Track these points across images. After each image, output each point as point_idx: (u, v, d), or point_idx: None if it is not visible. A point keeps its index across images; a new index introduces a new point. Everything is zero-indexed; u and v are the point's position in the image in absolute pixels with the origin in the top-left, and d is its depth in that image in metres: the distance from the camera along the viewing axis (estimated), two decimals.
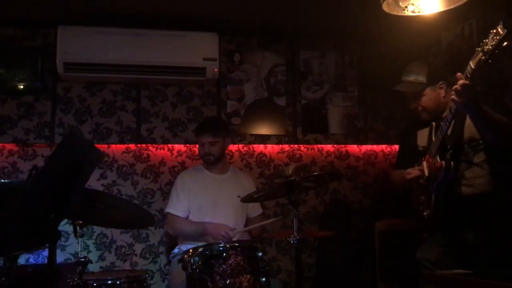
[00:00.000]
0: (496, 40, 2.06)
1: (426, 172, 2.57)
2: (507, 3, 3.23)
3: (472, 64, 2.19)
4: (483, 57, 2.12)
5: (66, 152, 1.60)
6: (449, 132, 2.50)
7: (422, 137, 2.76)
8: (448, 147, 2.52)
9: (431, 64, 2.88)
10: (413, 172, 2.65)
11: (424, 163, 2.61)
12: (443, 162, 2.48)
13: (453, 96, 2.27)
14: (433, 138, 2.59)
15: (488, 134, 2.42)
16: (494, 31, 2.07)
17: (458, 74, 2.27)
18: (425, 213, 2.64)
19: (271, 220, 3.23)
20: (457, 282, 1.85)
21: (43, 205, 1.60)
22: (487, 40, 2.09)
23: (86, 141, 1.74)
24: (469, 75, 2.21)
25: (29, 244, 1.79)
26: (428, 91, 2.69)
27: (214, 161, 3.27)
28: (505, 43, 2.07)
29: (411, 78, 2.73)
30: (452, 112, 2.40)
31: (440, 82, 2.69)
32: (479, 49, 2.14)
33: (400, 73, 2.86)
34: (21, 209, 1.50)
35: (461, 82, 2.24)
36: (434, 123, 2.63)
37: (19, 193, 1.63)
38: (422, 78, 2.69)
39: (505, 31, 2.04)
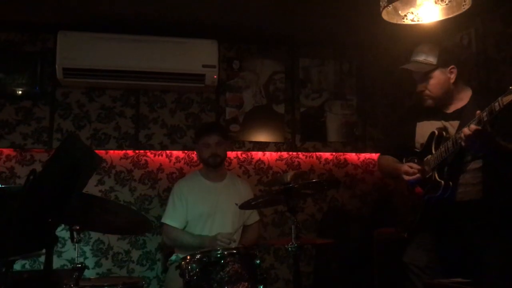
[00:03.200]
0: None
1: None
2: (506, 13, 3.25)
3: (501, 102, 2.01)
4: None
5: (64, 155, 1.60)
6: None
7: (422, 132, 2.62)
8: (449, 161, 2.43)
9: (443, 46, 2.67)
10: (413, 175, 2.51)
11: (418, 166, 2.52)
12: (443, 182, 2.39)
13: (461, 138, 2.19)
14: (433, 149, 2.49)
15: (503, 164, 2.36)
16: None
17: (478, 112, 2.13)
18: (410, 218, 2.59)
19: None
20: None
21: (41, 209, 1.59)
22: None
23: (85, 145, 1.73)
24: (494, 112, 2.06)
25: (26, 248, 1.77)
26: (437, 73, 2.51)
27: (220, 163, 3.26)
28: None
29: (421, 58, 2.55)
30: (458, 145, 2.30)
31: (451, 66, 2.52)
32: None
33: (399, 81, 2.81)
34: (19, 213, 1.49)
35: (472, 127, 2.12)
36: (436, 132, 2.50)
37: (16, 198, 1.62)
38: (432, 59, 2.51)
39: None
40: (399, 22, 2.40)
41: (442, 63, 2.52)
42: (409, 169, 2.52)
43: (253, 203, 2.81)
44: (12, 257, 2.28)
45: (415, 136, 2.66)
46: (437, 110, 2.59)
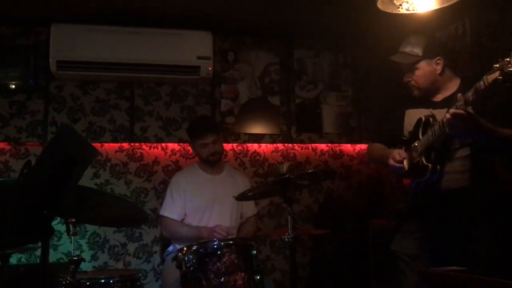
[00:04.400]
0: None
1: (407, 166, 2.52)
2: (501, 2, 3.25)
3: (486, 80, 1.99)
4: (500, 78, 1.92)
5: (59, 146, 1.59)
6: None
7: (410, 121, 2.61)
8: (436, 146, 2.42)
9: (431, 37, 2.65)
10: (400, 162, 2.49)
11: (406, 154, 2.50)
12: (430, 165, 2.38)
13: (444, 122, 2.19)
14: (420, 135, 2.48)
15: (493, 149, 2.36)
16: None
17: (459, 95, 2.12)
18: (398, 207, 2.59)
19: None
20: (455, 280, 1.84)
21: (36, 201, 1.58)
22: (509, 59, 1.87)
23: (80, 136, 1.72)
24: (480, 91, 2.03)
25: (22, 241, 1.77)
26: (422, 64, 2.51)
27: (219, 159, 3.27)
28: None
29: (407, 49, 2.55)
30: (444, 129, 2.28)
31: (437, 58, 2.51)
32: (497, 65, 1.93)
33: (394, 72, 2.80)
34: (14, 205, 1.49)
35: (451, 111, 2.11)
36: (423, 118, 2.49)
37: (12, 190, 1.61)
38: (418, 50, 2.51)
39: None
40: (394, 12, 2.40)
41: (428, 55, 2.52)
42: (397, 155, 2.50)
43: (249, 194, 2.81)
44: (8, 250, 2.27)
45: (404, 125, 2.66)
46: (425, 99, 2.59)
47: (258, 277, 2.41)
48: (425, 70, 2.52)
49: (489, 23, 3.36)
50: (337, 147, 4.35)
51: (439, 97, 2.56)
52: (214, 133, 3.20)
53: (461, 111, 2.11)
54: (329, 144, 4.33)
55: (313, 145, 4.30)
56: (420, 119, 2.51)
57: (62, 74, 3.75)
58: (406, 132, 2.63)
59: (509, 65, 1.87)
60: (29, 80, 3.75)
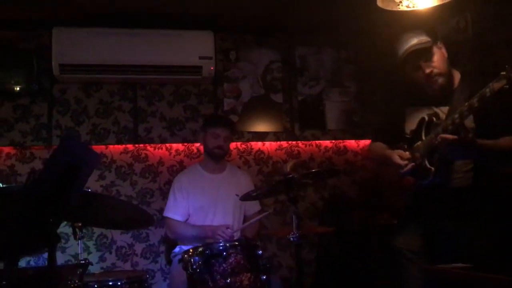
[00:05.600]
0: None
1: (410, 167, 2.51)
2: None
3: (492, 88, 1.98)
4: (506, 86, 1.93)
5: (63, 155, 1.60)
6: None
7: (412, 118, 2.58)
8: (439, 149, 2.38)
9: (424, 26, 2.59)
10: (404, 162, 2.47)
11: (408, 156, 2.49)
12: (433, 168, 2.36)
13: (440, 143, 2.18)
14: (423, 135, 2.46)
15: (496, 164, 2.34)
16: None
17: (466, 104, 2.11)
18: (400, 205, 2.58)
19: (262, 216, 3.12)
20: (459, 277, 1.85)
21: (42, 209, 1.60)
22: None
23: (83, 144, 1.74)
24: (485, 98, 2.02)
25: (29, 249, 1.79)
26: (435, 49, 2.45)
27: (223, 156, 3.30)
28: None
29: (414, 41, 2.44)
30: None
31: (439, 41, 2.50)
32: (504, 73, 1.93)
33: (396, 67, 2.75)
34: (20, 213, 1.50)
35: (447, 137, 2.12)
36: (427, 117, 2.47)
37: (18, 198, 1.63)
38: (425, 38, 2.44)
39: None
40: (394, 9, 2.40)
41: (434, 39, 2.48)
42: (401, 162, 2.48)
43: (253, 194, 2.82)
44: (15, 259, 2.29)
45: (405, 122, 2.64)
46: (426, 96, 2.54)
47: (264, 277, 2.43)
48: (439, 55, 2.46)
49: (491, 16, 3.34)
50: (341, 143, 4.34)
51: (440, 93, 2.53)
52: (229, 130, 3.29)
53: (452, 137, 2.10)
54: (333, 141, 4.33)
55: (317, 142, 4.30)
56: (423, 119, 2.49)
57: (65, 77, 3.77)
58: (407, 130, 2.62)
59: None
60: (32, 84, 3.77)
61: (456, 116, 2.20)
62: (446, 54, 2.49)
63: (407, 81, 2.59)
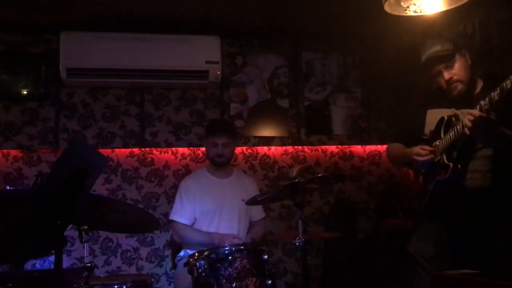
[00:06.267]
0: None
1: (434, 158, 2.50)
2: (510, 0, 3.22)
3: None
4: None
5: (70, 159, 1.61)
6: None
7: (432, 120, 2.60)
8: (458, 145, 2.41)
9: (449, 35, 2.68)
10: (425, 152, 2.48)
11: (430, 148, 2.50)
12: (451, 164, 2.38)
13: (466, 126, 2.19)
14: (442, 134, 2.48)
15: None
16: None
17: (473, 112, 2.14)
18: (416, 207, 2.58)
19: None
20: (468, 283, 1.84)
21: (49, 212, 1.61)
22: None
23: (90, 147, 1.75)
24: (505, 90, 2.04)
25: (36, 251, 1.79)
26: (457, 57, 2.50)
27: (225, 163, 3.27)
28: None
29: (438, 48, 2.51)
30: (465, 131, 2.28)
31: (463, 49, 2.54)
32: None
33: (402, 72, 2.76)
34: (27, 216, 1.51)
35: (476, 113, 2.13)
36: (446, 117, 2.49)
37: (25, 201, 1.63)
38: (448, 45, 2.51)
39: None
40: (401, 14, 2.39)
41: (458, 47, 2.54)
42: (421, 150, 2.50)
43: (259, 199, 2.82)
44: (21, 261, 2.30)
45: (425, 124, 2.66)
46: (448, 98, 2.57)
47: (270, 282, 2.42)
48: (461, 63, 2.51)
49: (498, 22, 3.33)
50: (347, 148, 4.34)
51: (462, 97, 2.53)
52: (227, 136, 3.20)
53: (479, 113, 2.12)
54: (339, 146, 4.32)
55: (323, 147, 4.29)
56: (442, 118, 2.51)
57: (72, 81, 3.79)
58: (427, 131, 2.63)
59: None
60: (40, 88, 3.80)
61: (477, 109, 2.22)
62: (469, 62, 2.53)
63: (431, 84, 2.62)
